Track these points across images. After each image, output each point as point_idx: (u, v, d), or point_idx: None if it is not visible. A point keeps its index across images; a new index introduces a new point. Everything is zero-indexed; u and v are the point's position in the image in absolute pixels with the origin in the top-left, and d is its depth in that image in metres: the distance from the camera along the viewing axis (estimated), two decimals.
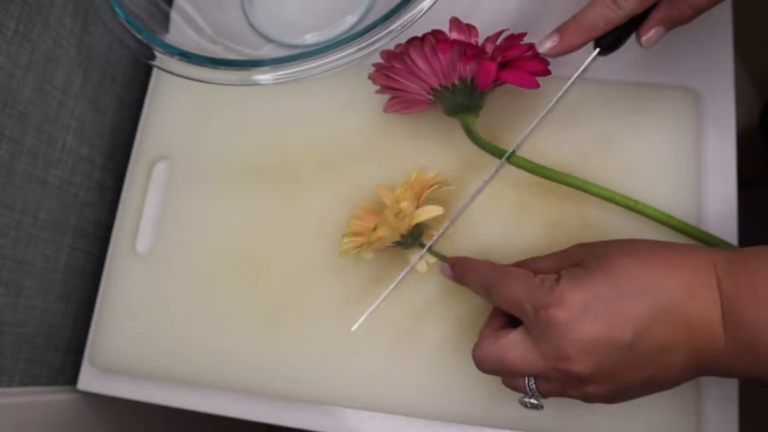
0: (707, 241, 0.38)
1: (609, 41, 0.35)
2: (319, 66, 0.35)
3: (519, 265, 0.35)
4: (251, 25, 0.47)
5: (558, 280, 0.30)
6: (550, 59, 0.36)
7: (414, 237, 0.39)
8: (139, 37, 0.38)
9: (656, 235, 0.39)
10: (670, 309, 0.28)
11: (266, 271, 0.43)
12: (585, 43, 0.35)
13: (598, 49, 0.36)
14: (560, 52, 0.35)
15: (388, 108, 0.43)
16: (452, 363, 0.39)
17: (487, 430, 0.39)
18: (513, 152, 0.38)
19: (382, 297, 0.39)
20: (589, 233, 0.40)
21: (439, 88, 0.38)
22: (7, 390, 0.41)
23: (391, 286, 0.39)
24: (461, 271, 0.36)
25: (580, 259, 0.32)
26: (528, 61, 0.37)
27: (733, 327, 0.27)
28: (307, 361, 0.41)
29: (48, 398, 0.43)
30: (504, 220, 0.41)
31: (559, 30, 0.35)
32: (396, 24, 0.34)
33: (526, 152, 0.39)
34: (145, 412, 0.49)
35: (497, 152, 0.38)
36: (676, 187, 0.40)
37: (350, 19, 0.45)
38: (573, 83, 0.37)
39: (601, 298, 0.28)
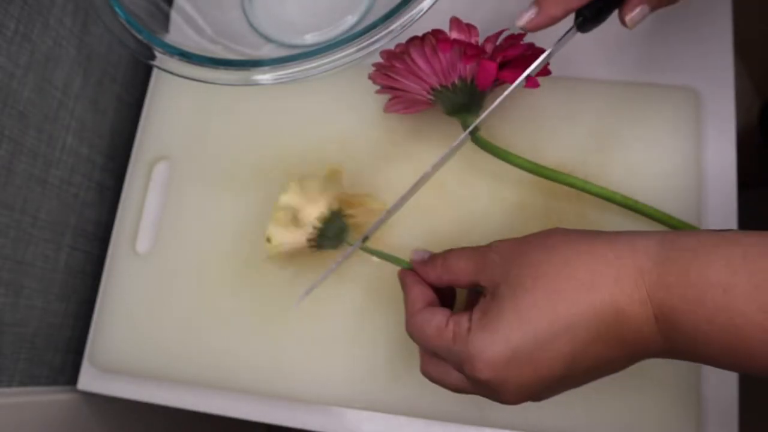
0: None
1: (590, 12, 0.33)
2: (319, 66, 0.35)
3: (437, 258, 0.34)
4: (251, 25, 0.47)
5: (469, 329, 0.28)
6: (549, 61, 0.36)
7: (332, 238, 0.38)
8: (139, 37, 0.38)
9: None
10: (597, 336, 0.26)
11: (266, 271, 0.43)
12: (565, 15, 0.32)
13: (581, 18, 0.33)
14: (539, 26, 0.32)
15: (388, 108, 0.43)
16: None
17: (487, 430, 0.39)
18: (476, 128, 0.37)
19: (313, 285, 0.38)
20: None
21: (439, 87, 0.38)
22: (7, 390, 0.41)
23: (319, 278, 0.38)
24: (402, 283, 0.35)
25: (494, 278, 0.30)
26: (528, 61, 0.37)
27: (670, 335, 0.26)
28: (307, 361, 0.41)
29: (48, 398, 0.43)
30: (504, 220, 0.41)
31: (538, 2, 0.32)
32: (396, 24, 0.34)
33: (526, 152, 0.39)
34: (145, 412, 0.49)
35: (496, 152, 0.38)
36: (676, 186, 0.40)
37: (350, 19, 0.45)
38: (550, 56, 0.35)
39: (521, 350, 0.27)
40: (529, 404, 0.38)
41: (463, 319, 0.29)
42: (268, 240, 0.37)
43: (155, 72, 0.50)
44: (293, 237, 0.37)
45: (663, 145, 0.41)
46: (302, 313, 0.41)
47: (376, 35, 0.34)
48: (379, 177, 0.43)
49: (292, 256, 0.38)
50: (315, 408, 0.41)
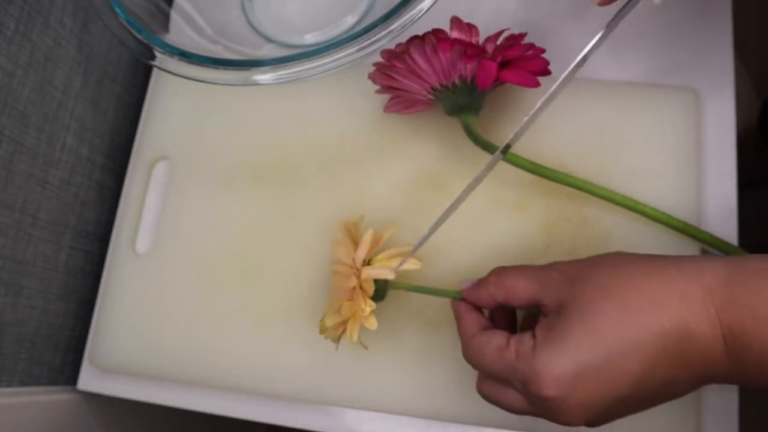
0: (707, 241, 0.38)
1: None
2: (319, 66, 0.35)
3: (489, 277, 0.33)
4: (251, 25, 0.47)
5: (534, 346, 0.28)
6: (549, 62, 0.36)
7: (379, 295, 0.36)
8: (139, 37, 0.38)
9: (656, 235, 0.39)
10: (664, 353, 0.26)
11: (266, 271, 0.43)
12: None
13: None
14: None
15: (388, 108, 0.43)
16: (452, 363, 0.39)
17: (487, 430, 0.39)
18: (508, 145, 0.36)
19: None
20: (588, 233, 0.40)
21: (439, 87, 0.38)
22: (7, 390, 0.41)
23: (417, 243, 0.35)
24: (455, 313, 0.35)
25: (559, 297, 0.29)
26: (528, 61, 0.37)
27: (739, 358, 0.26)
28: (307, 361, 0.41)
29: (48, 398, 0.43)
30: (504, 220, 0.41)
31: None
32: (396, 24, 0.34)
33: (525, 152, 0.39)
34: (145, 412, 0.49)
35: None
36: (676, 187, 0.40)
37: (350, 19, 0.45)
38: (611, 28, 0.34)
39: (589, 366, 0.27)
40: None
41: (526, 338, 0.29)
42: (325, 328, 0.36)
43: (155, 72, 0.49)
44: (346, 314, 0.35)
45: (663, 145, 0.41)
46: (302, 312, 0.41)
47: (376, 35, 0.34)
48: (379, 178, 0.43)
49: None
50: (315, 408, 0.41)
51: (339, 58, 0.34)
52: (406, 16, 0.34)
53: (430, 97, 0.39)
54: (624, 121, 0.42)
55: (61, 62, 0.43)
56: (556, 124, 0.42)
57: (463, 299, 0.34)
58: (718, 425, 0.38)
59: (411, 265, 0.35)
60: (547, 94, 0.34)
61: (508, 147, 0.36)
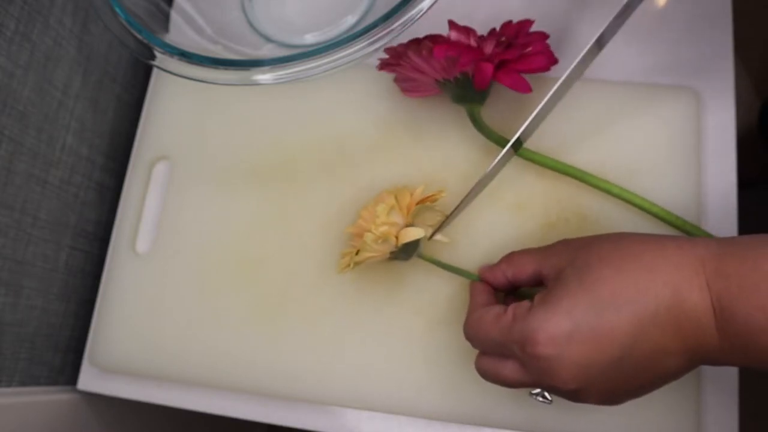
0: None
1: None
2: (319, 66, 0.35)
3: (502, 258, 0.36)
4: (251, 25, 0.47)
5: (530, 308, 0.29)
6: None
7: (408, 252, 0.38)
8: (139, 37, 0.38)
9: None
10: (656, 317, 0.27)
11: (266, 271, 0.43)
12: None
13: None
14: None
15: (404, 90, 0.43)
16: (452, 363, 0.39)
17: (487, 430, 0.39)
18: (519, 140, 0.38)
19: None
20: (588, 233, 0.40)
21: (442, 81, 0.39)
22: (7, 390, 0.41)
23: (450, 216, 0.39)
24: (470, 294, 0.37)
25: (559, 264, 0.31)
26: (528, 58, 0.37)
27: (726, 328, 0.27)
28: (307, 361, 0.41)
29: (48, 398, 0.43)
30: (503, 221, 0.41)
31: None
32: (396, 24, 0.34)
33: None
34: (145, 412, 0.49)
35: (502, 142, 0.39)
36: (676, 186, 0.40)
37: (350, 19, 0.45)
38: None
39: (583, 322, 0.28)
40: (528, 404, 0.38)
41: (524, 303, 0.30)
42: (358, 252, 0.37)
43: (155, 72, 0.49)
44: (381, 250, 0.37)
45: (663, 145, 0.41)
46: (302, 312, 0.41)
47: (376, 35, 0.34)
48: (380, 178, 0.43)
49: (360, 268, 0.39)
50: (315, 408, 0.41)
51: (339, 58, 0.34)
52: (406, 17, 0.34)
53: (437, 85, 0.40)
54: (624, 121, 0.42)
55: (61, 62, 0.43)
56: (556, 124, 0.42)
57: (480, 281, 0.37)
58: (718, 424, 0.38)
59: (443, 237, 0.39)
60: (551, 92, 0.35)
61: (520, 143, 0.37)
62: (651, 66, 0.44)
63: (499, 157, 0.38)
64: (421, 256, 0.39)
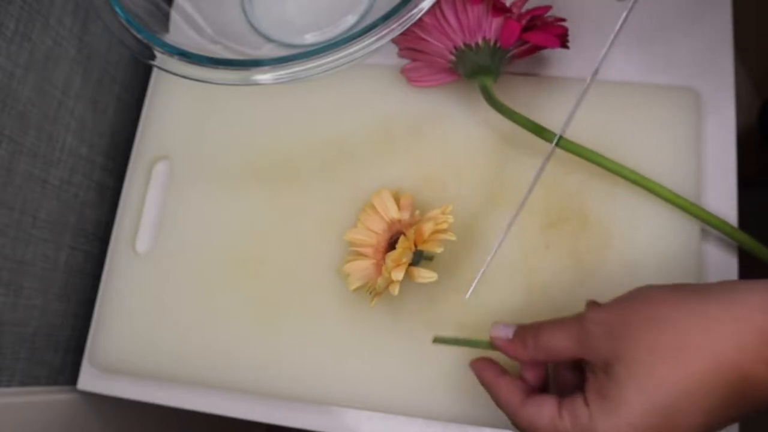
0: (714, 224, 0.38)
1: None
2: (319, 66, 0.35)
3: (527, 335, 0.32)
4: (251, 25, 0.47)
5: (590, 416, 0.28)
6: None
7: (416, 259, 0.38)
8: (139, 37, 0.38)
9: (657, 235, 0.39)
10: (726, 403, 0.26)
11: (266, 271, 0.43)
12: None
13: None
14: None
15: (411, 80, 0.43)
16: (452, 363, 0.39)
17: (487, 430, 0.39)
18: (561, 137, 0.38)
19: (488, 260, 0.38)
20: (588, 234, 0.40)
21: (462, 46, 0.39)
22: (7, 390, 0.41)
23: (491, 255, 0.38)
24: (482, 380, 0.34)
25: (604, 355, 0.28)
26: (552, 26, 0.38)
27: None
28: (307, 361, 0.41)
29: (48, 398, 0.43)
30: (504, 221, 0.41)
31: None
32: (396, 24, 0.34)
33: (525, 152, 0.39)
34: (145, 412, 0.49)
35: (515, 117, 0.39)
36: (677, 186, 0.40)
37: (350, 19, 0.45)
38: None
39: (647, 430, 0.27)
40: None
41: (578, 405, 0.28)
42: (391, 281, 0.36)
43: (155, 72, 0.50)
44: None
45: (663, 145, 0.41)
46: (302, 312, 0.41)
47: (376, 35, 0.34)
48: (380, 178, 0.43)
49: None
50: (315, 408, 0.41)
51: (339, 58, 0.34)
52: (406, 17, 0.34)
53: (452, 57, 0.40)
54: (624, 121, 0.42)
55: (61, 62, 0.43)
56: (555, 124, 0.42)
57: (482, 359, 0.34)
58: None
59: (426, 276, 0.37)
60: (589, 81, 0.35)
61: (560, 137, 0.38)
62: (651, 66, 0.44)
63: (551, 148, 0.37)
64: (435, 340, 0.36)
